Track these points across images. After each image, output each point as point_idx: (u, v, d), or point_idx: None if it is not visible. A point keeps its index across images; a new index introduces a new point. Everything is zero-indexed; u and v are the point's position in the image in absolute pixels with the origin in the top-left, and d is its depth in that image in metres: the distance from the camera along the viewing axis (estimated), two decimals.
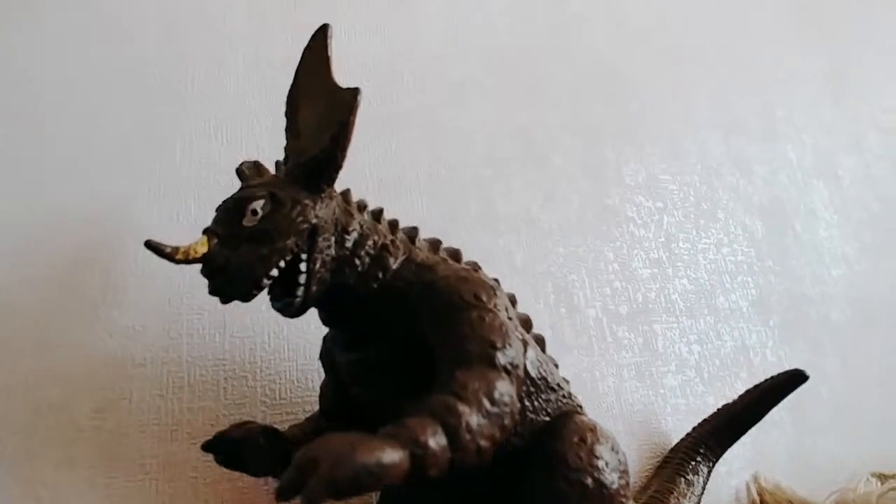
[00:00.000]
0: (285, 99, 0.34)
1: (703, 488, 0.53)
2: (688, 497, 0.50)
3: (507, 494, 0.32)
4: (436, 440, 0.23)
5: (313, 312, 0.48)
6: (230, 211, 0.30)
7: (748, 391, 0.55)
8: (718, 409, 0.56)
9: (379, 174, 0.38)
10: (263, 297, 0.47)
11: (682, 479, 0.52)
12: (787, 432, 0.67)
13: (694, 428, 0.56)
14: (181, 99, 0.51)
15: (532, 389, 0.32)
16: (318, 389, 0.46)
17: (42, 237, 0.42)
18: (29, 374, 0.39)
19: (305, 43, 0.34)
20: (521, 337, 0.31)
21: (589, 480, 0.29)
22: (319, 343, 0.47)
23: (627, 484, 0.31)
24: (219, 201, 0.33)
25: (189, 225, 0.47)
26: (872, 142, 1.02)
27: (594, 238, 0.66)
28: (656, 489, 0.51)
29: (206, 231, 0.30)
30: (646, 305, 0.65)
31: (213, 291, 0.30)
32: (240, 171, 0.35)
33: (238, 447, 0.34)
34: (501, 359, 0.27)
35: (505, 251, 0.60)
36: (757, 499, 0.60)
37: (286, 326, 0.47)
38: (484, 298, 0.30)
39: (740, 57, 0.95)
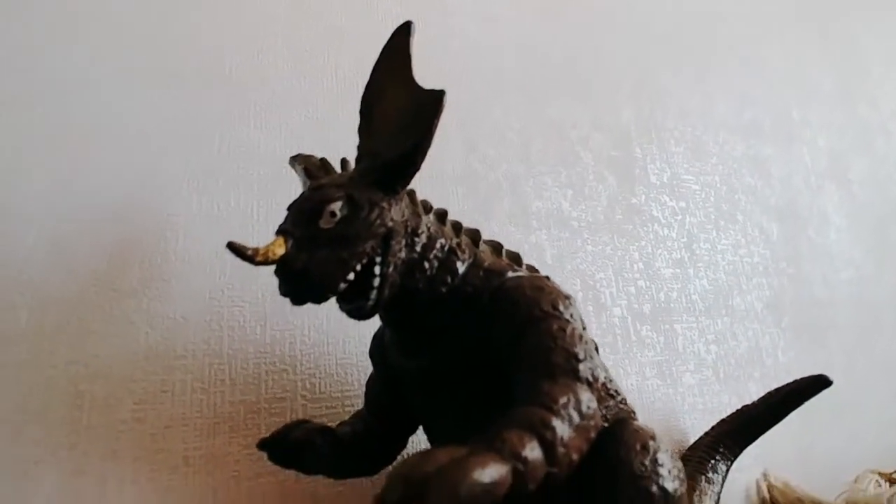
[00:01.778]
0: (361, 97, 0.33)
1: (722, 486, 0.54)
2: (708, 495, 0.52)
3: (569, 490, 0.32)
4: (534, 454, 0.23)
5: None
6: (306, 212, 0.30)
7: (770, 393, 0.56)
8: (739, 410, 0.58)
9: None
10: None
11: (703, 478, 0.53)
12: (793, 430, 0.69)
13: (713, 427, 0.58)
14: (220, 90, 0.49)
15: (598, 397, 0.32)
16: (357, 384, 0.46)
17: (82, 230, 0.41)
18: (71, 367, 0.38)
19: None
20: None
21: (654, 488, 0.30)
22: (359, 338, 0.47)
23: (685, 489, 0.32)
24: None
25: (228, 216, 0.46)
26: (882, 146, 1.04)
27: (621, 237, 0.66)
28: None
29: (280, 232, 0.29)
30: (668, 305, 0.66)
31: (286, 293, 0.29)
32: (308, 170, 0.34)
33: (293, 446, 0.34)
34: (584, 371, 0.28)
35: (536, 247, 0.60)
36: (767, 496, 0.62)
37: (326, 321, 0.47)
38: (561, 309, 0.30)
39: (759, 61, 0.95)
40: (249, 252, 0.27)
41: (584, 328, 0.31)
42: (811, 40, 1.05)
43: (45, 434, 0.36)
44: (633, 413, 0.36)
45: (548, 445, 0.24)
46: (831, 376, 0.77)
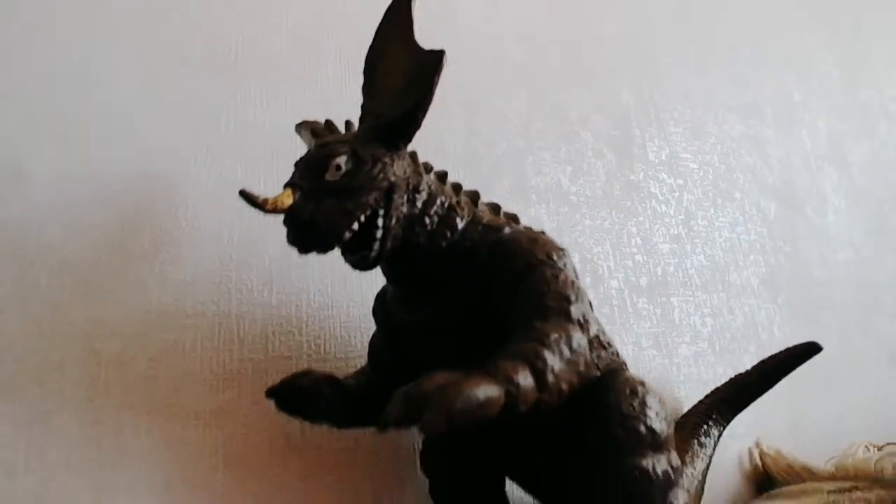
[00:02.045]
0: (364, 60, 0.34)
1: (714, 450, 0.56)
2: (700, 458, 0.53)
3: (560, 442, 0.34)
4: (526, 380, 0.25)
5: (360, 275, 0.49)
6: (313, 166, 0.31)
7: (763, 361, 0.58)
8: (731, 378, 0.59)
9: (416, 145, 0.39)
10: (309, 260, 0.48)
11: (696, 442, 0.54)
12: (786, 401, 0.70)
13: (707, 395, 0.59)
14: (227, 71, 0.51)
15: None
16: (361, 346, 0.48)
17: (97, 197, 0.43)
18: (87, 325, 0.40)
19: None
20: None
21: (642, 427, 0.31)
22: (362, 302, 0.49)
23: (673, 433, 0.33)
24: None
25: (235, 186, 0.48)
26: (883, 130, 1.04)
27: (619, 212, 0.68)
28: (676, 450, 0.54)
29: (289, 184, 0.31)
30: (665, 279, 0.67)
31: (293, 242, 0.31)
32: (314, 130, 0.36)
33: (300, 394, 0.36)
34: (575, 312, 0.29)
35: (535, 220, 0.61)
36: (759, 463, 0.64)
37: (331, 285, 0.49)
38: (555, 258, 0.31)
39: (760, 43, 0.96)
40: (260, 200, 0.29)
41: (577, 278, 0.32)
42: (814, 24, 1.06)
43: (64, 386, 0.38)
44: (625, 365, 0.37)
45: (539, 374, 0.25)
46: (826, 353, 0.79)
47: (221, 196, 0.46)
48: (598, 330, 0.36)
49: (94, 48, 0.47)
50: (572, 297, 0.30)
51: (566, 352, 0.27)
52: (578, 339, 0.28)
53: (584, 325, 0.29)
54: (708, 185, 0.77)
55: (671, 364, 0.64)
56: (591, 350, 0.35)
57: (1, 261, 0.39)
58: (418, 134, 0.38)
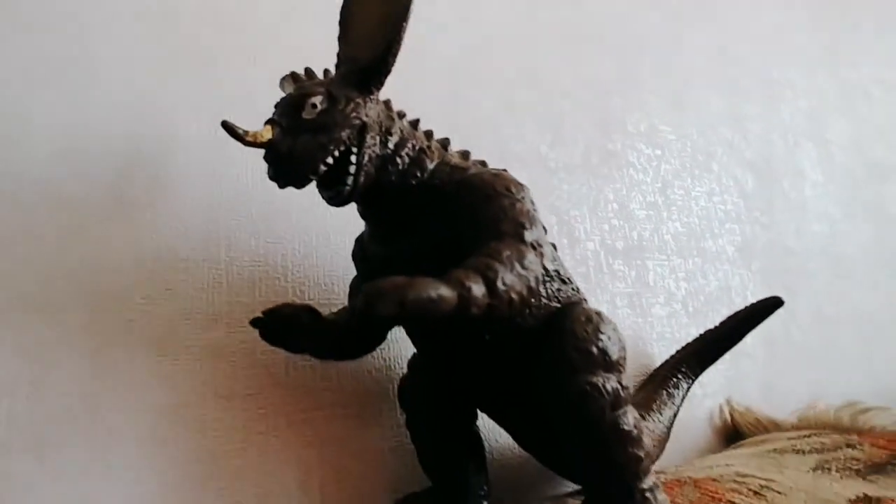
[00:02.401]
0: (339, 9, 0.37)
1: (682, 401, 0.58)
2: (668, 406, 0.56)
3: (523, 367, 0.37)
4: (478, 287, 0.27)
5: (341, 228, 0.52)
6: (291, 105, 0.34)
7: (729, 317, 0.61)
8: (700, 335, 0.62)
9: (399, 108, 0.41)
10: (295, 207, 0.51)
11: (665, 392, 0.57)
12: (758, 365, 0.73)
13: (678, 350, 0.62)
14: (219, 25, 0.53)
15: (547, 278, 0.37)
16: (342, 294, 0.51)
17: (94, 143, 0.45)
18: (87, 264, 0.43)
19: None
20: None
21: (594, 349, 0.34)
22: (344, 255, 0.52)
23: (625, 359, 0.36)
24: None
25: (225, 140, 0.50)
26: (862, 109, 1.07)
27: (596, 178, 0.70)
28: (640, 398, 0.56)
29: (269, 121, 0.34)
30: (640, 243, 0.70)
31: (273, 176, 0.34)
32: (294, 75, 0.38)
33: (283, 323, 0.38)
34: (529, 236, 0.32)
35: None
36: (728, 418, 0.67)
37: (314, 237, 0.51)
38: (513, 191, 0.34)
39: (742, 20, 0.98)
40: (241, 132, 0.32)
41: (535, 211, 0.35)
42: (796, 2, 1.08)
43: (64, 318, 0.41)
44: (585, 300, 0.40)
45: (490, 283, 0.28)
46: (799, 321, 0.82)
47: (211, 149, 0.49)
48: (557, 265, 0.38)
49: (97, 13, 0.49)
50: (527, 224, 0.32)
51: (517, 267, 0.30)
52: (531, 258, 0.31)
53: (536, 248, 0.32)
54: (686, 157, 0.80)
55: (645, 323, 0.67)
56: (550, 282, 0.37)
57: (5, 203, 0.41)
58: (401, 99, 0.41)
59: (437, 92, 0.64)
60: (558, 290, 0.38)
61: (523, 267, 0.30)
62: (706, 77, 0.88)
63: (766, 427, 0.63)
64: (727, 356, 0.70)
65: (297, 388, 0.46)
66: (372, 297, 0.24)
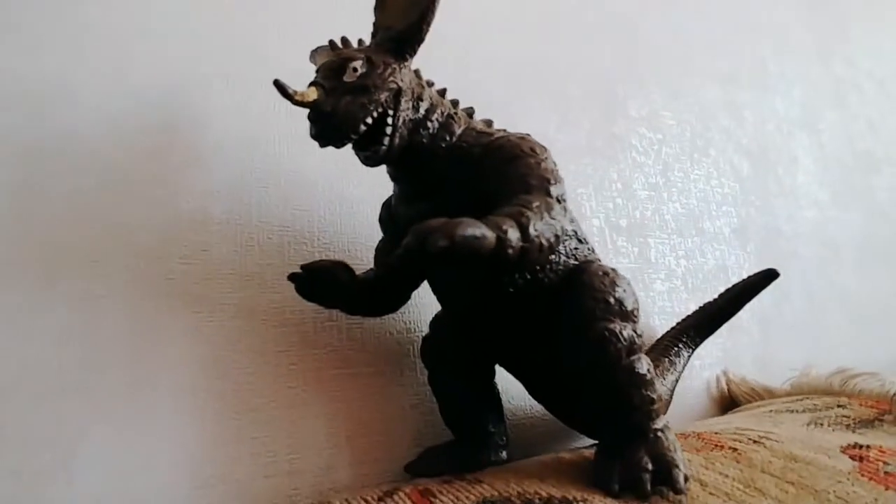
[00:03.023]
0: None
1: (683, 369, 0.62)
2: (671, 372, 0.59)
3: (543, 321, 0.39)
4: (513, 231, 0.30)
5: (364, 198, 0.55)
6: (333, 69, 0.36)
7: (727, 290, 0.64)
8: (700, 307, 0.65)
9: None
10: (322, 177, 0.53)
11: (667, 360, 0.60)
12: (754, 340, 0.77)
13: (679, 322, 0.65)
14: (252, 5, 0.56)
15: (566, 237, 0.40)
16: (366, 261, 0.53)
17: (138, 112, 0.48)
18: (128, 223, 0.45)
19: None
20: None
21: (611, 299, 0.37)
22: (366, 222, 0.54)
23: (638, 310, 0.39)
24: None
25: (255, 111, 0.53)
26: (854, 103, 1.11)
27: (601, 160, 0.73)
28: None
29: (313, 83, 0.36)
30: (642, 222, 0.73)
31: (316, 135, 0.36)
32: (333, 43, 0.41)
33: (319, 278, 0.41)
34: (554, 191, 0.35)
35: None
36: (725, 388, 0.71)
37: (339, 206, 0.54)
38: (538, 151, 0.37)
39: (738, 12, 1.02)
40: (290, 91, 0.34)
41: (557, 170, 0.38)
42: None
43: (110, 274, 0.43)
44: (600, 260, 0.43)
45: (523, 228, 0.31)
46: (791, 299, 0.86)
47: (243, 118, 0.51)
48: (575, 226, 0.41)
49: None
50: (552, 180, 0.35)
51: (546, 216, 0.32)
52: (558, 209, 0.34)
53: (561, 202, 0.35)
54: (685, 142, 0.83)
55: (647, 297, 0.70)
56: (569, 241, 0.40)
57: (53, 165, 0.44)
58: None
59: (447, 76, 0.66)
60: (575, 248, 0.41)
61: (551, 217, 0.33)
62: (704, 67, 0.92)
63: (761, 395, 0.67)
64: (724, 331, 0.73)
65: (325, 347, 0.49)
66: (423, 233, 0.27)
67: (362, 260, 0.53)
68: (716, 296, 0.65)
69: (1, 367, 0.38)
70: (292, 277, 0.41)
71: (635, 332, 0.38)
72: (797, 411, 0.54)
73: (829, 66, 1.12)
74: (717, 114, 0.89)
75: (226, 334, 0.46)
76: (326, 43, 0.45)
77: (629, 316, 0.38)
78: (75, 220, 0.43)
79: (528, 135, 0.39)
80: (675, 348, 0.62)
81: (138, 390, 0.42)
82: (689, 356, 0.63)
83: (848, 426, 0.49)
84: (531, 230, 0.31)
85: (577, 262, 0.40)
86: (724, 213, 0.82)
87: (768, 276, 0.62)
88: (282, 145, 0.53)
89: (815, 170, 0.98)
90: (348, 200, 0.54)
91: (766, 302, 0.81)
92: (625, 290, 0.38)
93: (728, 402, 0.70)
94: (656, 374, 0.57)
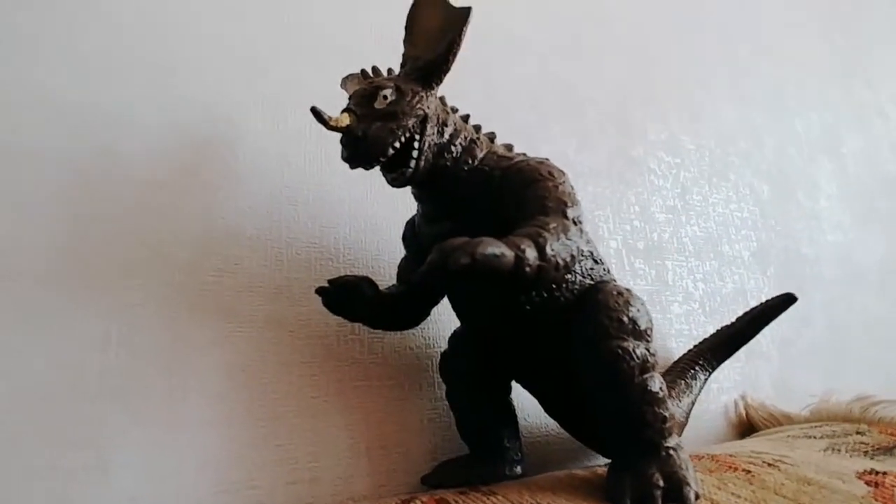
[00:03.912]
0: (405, 18, 0.42)
1: (699, 393, 0.62)
2: (686, 394, 0.59)
3: (559, 338, 0.41)
4: (531, 250, 0.32)
5: (388, 217, 0.57)
6: (365, 96, 0.39)
7: (745, 313, 0.64)
8: (717, 330, 0.65)
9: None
10: (348, 197, 0.56)
11: (683, 382, 0.61)
12: (773, 365, 0.77)
13: (696, 344, 0.66)
14: (285, 35, 0.59)
15: (582, 257, 0.41)
16: (388, 278, 0.55)
17: (176, 133, 0.51)
18: (165, 238, 0.48)
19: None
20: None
21: (625, 318, 0.38)
22: (390, 240, 0.57)
23: (652, 330, 0.40)
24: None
25: (287, 134, 0.56)
26: (877, 127, 1.11)
27: (619, 183, 0.75)
28: None
29: (346, 110, 0.39)
30: (660, 244, 0.74)
31: (347, 157, 0.38)
32: (364, 72, 0.43)
33: (345, 292, 0.43)
34: (571, 213, 0.36)
35: None
36: (743, 413, 0.70)
37: (364, 224, 0.56)
38: (555, 175, 0.39)
39: (758, 36, 1.03)
40: (326, 117, 0.37)
41: (574, 193, 0.39)
42: (813, 22, 1.13)
43: (148, 286, 0.46)
44: (615, 280, 0.44)
45: (540, 247, 0.32)
46: (813, 324, 0.85)
47: (276, 140, 0.54)
48: (591, 247, 0.43)
49: (179, 8, 0.55)
50: (569, 203, 0.37)
51: (562, 237, 0.34)
52: (574, 231, 0.35)
53: (577, 224, 0.36)
54: (704, 166, 0.84)
55: (664, 319, 0.70)
56: (585, 261, 0.42)
57: (97, 183, 0.47)
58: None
59: (471, 100, 0.68)
60: (591, 268, 0.42)
61: (567, 237, 0.34)
62: (724, 91, 0.93)
63: (780, 421, 0.66)
64: (742, 355, 0.73)
65: (347, 360, 0.51)
66: (446, 251, 0.29)
67: (385, 276, 0.55)
68: (733, 319, 0.66)
69: (46, 370, 0.41)
70: (320, 291, 0.43)
71: (648, 350, 0.39)
72: (815, 437, 0.54)
73: (851, 89, 1.12)
74: (736, 137, 0.90)
75: (254, 345, 0.48)
76: (356, 70, 0.48)
77: (642, 335, 0.39)
78: (116, 234, 0.46)
79: (547, 159, 0.41)
80: (692, 371, 0.62)
81: (171, 396, 0.44)
82: (706, 379, 0.63)
83: (866, 453, 0.48)
84: (548, 250, 0.32)
85: (592, 282, 0.42)
86: (744, 237, 0.82)
87: (787, 301, 0.62)
88: (311, 165, 0.56)
89: (837, 193, 0.98)
90: (373, 219, 0.56)
91: (786, 326, 0.80)
92: (638, 310, 0.39)
93: (746, 427, 0.70)
94: (672, 396, 0.58)
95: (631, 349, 0.38)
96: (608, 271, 0.44)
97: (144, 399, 0.43)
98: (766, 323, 0.63)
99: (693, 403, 0.60)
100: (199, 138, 0.51)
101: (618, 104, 0.80)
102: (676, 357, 0.67)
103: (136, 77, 0.51)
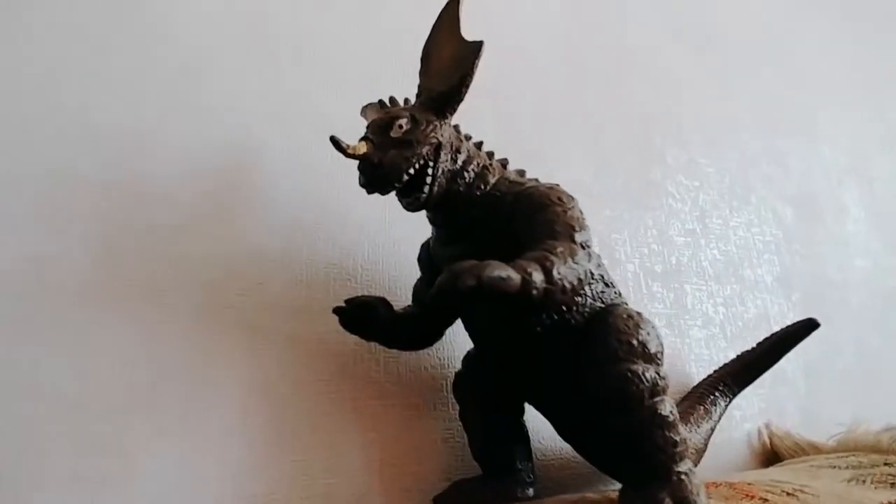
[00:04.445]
0: (420, 52, 0.45)
1: (719, 419, 0.61)
2: (706, 420, 0.59)
3: (569, 361, 0.41)
4: (538, 273, 0.33)
5: (405, 240, 0.58)
6: (381, 125, 0.41)
7: (766, 338, 0.63)
8: (738, 355, 0.64)
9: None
10: (366, 220, 0.58)
11: (702, 407, 0.60)
12: (799, 392, 0.75)
13: (716, 370, 0.65)
14: (307, 67, 0.63)
15: (592, 280, 0.42)
16: (404, 298, 0.57)
17: (203, 159, 0.54)
18: (193, 258, 0.50)
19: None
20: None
21: (634, 341, 0.38)
22: (406, 262, 0.58)
23: (663, 353, 0.40)
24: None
25: (307, 161, 0.59)
26: None
27: (636, 206, 0.75)
28: (679, 411, 0.59)
29: (363, 138, 0.41)
30: (679, 268, 0.74)
31: (364, 183, 0.40)
32: (382, 102, 0.46)
33: (361, 311, 0.45)
34: (578, 237, 0.37)
35: None
36: (767, 441, 0.68)
37: (381, 247, 0.58)
38: (565, 200, 0.40)
39: (782, 59, 1.02)
40: (344, 145, 0.39)
41: (584, 219, 0.40)
42: (839, 44, 1.12)
43: (175, 303, 0.48)
44: (626, 303, 0.45)
45: (547, 271, 0.33)
46: (841, 351, 0.83)
47: (299, 166, 0.57)
48: (602, 271, 0.43)
49: (207, 49, 0.59)
50: (577, 227, 0.38)
51: (570, 261, 0.35)
52: (581, 255, 0.36)
53: (585, 248, 0.37)
54: (724, 189, 0.83)
55: (683, 344, 0.70)
56: (595, 284, 0.42)
57: (130, 204, 0.50)
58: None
59: (489, 125, 0.70)
60: (602, 292, 0.43)
61: (574, 261, 0.35)
62: (746, 115, 0.93)
63: (805, 450, 0.64)
64: (767, 382, 0.72)
65: (363, 379, 0.52)
66: (454, 273, 0.30)
67: (402, 297, 0.56)
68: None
69: (78, 382, 0.43)
70: (337, 311, 0.45)
71: (658, 374, 0.39)
72: (839, 467, 0.52)
73: (882, 112, 1.10)
74: (758, 161, 0.89)
75: (274, 362, 0.50)
76: (375, 100, 0.50)
77: (652, 358, 0.39)
78: (147, 253, 0.49)
79: (558, 185, 0.42)
80: (712, 397, 0.61)
81: (194, 410, 0.46)
82: (727, 405, 0.62)
83: (893, 484, 0.47)
84: (555, 273, 0.33)
85: (603, 305, 0.42)
86: (766, 261, 0.81)
87: (809, 326, 0.61)
88: (332, 190, 0.58)
89: (866, 218, 0.96)
90: (390, 242, 0.58)
91: (813, 353, 0.78)
92: (648, 333, 0.39)
93: (770, 456, 0.68)
94: (690, 422, 0.57)
95: (640, 372, 0.38)
96: (619, 295, 0.45)
97: (169, 412, 0.45)
98: (789, 349, 0.62)
99: (713, 430, 0.59)
100: (227, 164, 0.54)
101: (637, 128, 0.81)
102: (696, 382, 0.66)
103: (168, 105, 0.55)
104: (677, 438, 0.38)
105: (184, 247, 0.50)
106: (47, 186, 0.48)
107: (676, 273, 0.73)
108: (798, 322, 0.62)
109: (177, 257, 0.50)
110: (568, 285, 0.34)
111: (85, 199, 0.49)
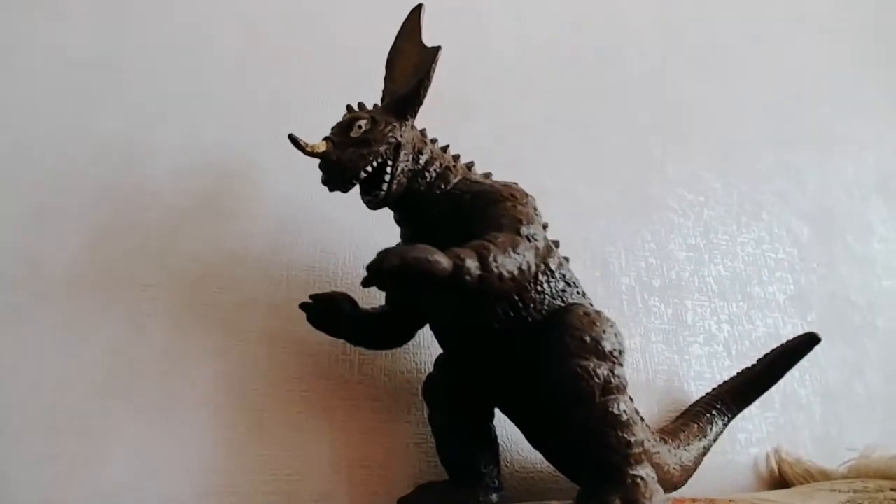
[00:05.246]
0: (386, 56, 0.47)
1: (715, 439, 0.57)
2: (698, 439, 0.55)
3: (530, 361, 0.40)
4: (471, 260, 0.33)
5: (386, 244, 0.59)
6: (343, 126, 0.43)
7: (766, 354, 0.60)
8: (738, 372, 0.61)
9: (444, 143, 0.49)
10: (348, 225, 0.59)
11: (696, 425, 0.57)
12: (814, 417, 0.70)
13: (714, 388, 0.61)
14: (293, 77, 0.66)
15: (550, 278, 0.41)
16: (383, 298, 0.57)
17: (195, 163, 0.58)
18: (178, 254, 0.53)
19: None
20: (544, 234, 0.41)
21: (587, 337, 0.37)
22: None
23: (621, 353, 0.39)
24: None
25: (298, 168, 0.61)
26: None
27: (633, 219, 0.74)
28: (670, 428, 0.56)
29: (325, 138, 0.43)
30: (679, 283, 0.71)
31: (324, 180, 0.42)
32: (349, 106, 0.48)
33: (327, 308, 0.46)
34: (525, 231, 0.37)
35: (549, 217, 0.69)
36: (775, 467, 0.64)
37: (362, 250, 0.59)
38: (517, 196, 0.40)
39: (796, 70, 1.00)
40: (303, 143, 0.41)
41: (538, 216, 0.40)
42: (859, 59, 1.08)
43: (156, 296, 0.51)
44: (591, 304, 0.44)
45: (482, 258, 0.33)
46: (864, 376, 0.78)
47: (285, 172, 0.60)
48: (564, 270, 0.43)
49: (197, 53, 0.63)
50: (524, 221, 0.38)
51: (510, 251, 0.35)
52: (524, 246, 0.36)
53: (531, 241, 0.37)
54: (732, 204, 0.81)
55: (681, 360, 0.67)
56: (555, 282, 0.42)
57: (123, 205, 0.53)
58: (450, 139, 0.49)
59: (479, 136, 0.71)
60: (563, 290, 0.42)
61: (515, 251, 0.35)
62: (757, 130, 0.90)
63: (816, 477, 0.60)
64: (777, 405, 0.68)
65: (337, 379, 0.53)
66: (381, 255, 0.31)
67: (381, 300, 0.57)
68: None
69: (60, 366, 0.46)
70: (303, 306, 0.46)
71: (613, 372, 0.38)
72: (841, 491, 0.48)
73: None
74: (770, 176, 0.86)
75: (248, 358, 0.51)
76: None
77: (607, 356, 0.38)
78: (136, 250, 0.52)
79: (516, 183, 0.43)
80: (708, 415, 0.58)
81: (168, 400, 0.48)
82: (725, 425, 0.59)
83: None
84: (490, 260, 0.33)
85: (563, 304, 0.42)
86: (778, 279, 0.77)
87: (810, 341, 0.58)
88: (317, 196, 0.60)
89: (892, 237, 0.90)
90: (372, 246, 0.58)
91: (833, 377, 0.74)
92: (605, 331, 0.39)
93: (777, 482, 0.63)
94: (680, 440, 0.55)
95: (591, 368, 0.37)
96: (583, 295, 0.44)
97: (144, 400, 0.47)
98: (791, 365, 0.58)
99: (707, 449, 0.56)
100: (216, 170, 0.58)
101: (635, 139, 0.80)
102: (693, 399, 0.63)
103: (160, 109, 0.59)
104: (631, 440, 0.36)
105: (171, 246, 0.53)
106: (44, 184, 0.52)
107: (676, 288, 0.71)
108: (798, 337, 0.59)
109: (164, 255, 0.53)
110: (507, 274, 0.34)
111: (79, 197, 0.52)
